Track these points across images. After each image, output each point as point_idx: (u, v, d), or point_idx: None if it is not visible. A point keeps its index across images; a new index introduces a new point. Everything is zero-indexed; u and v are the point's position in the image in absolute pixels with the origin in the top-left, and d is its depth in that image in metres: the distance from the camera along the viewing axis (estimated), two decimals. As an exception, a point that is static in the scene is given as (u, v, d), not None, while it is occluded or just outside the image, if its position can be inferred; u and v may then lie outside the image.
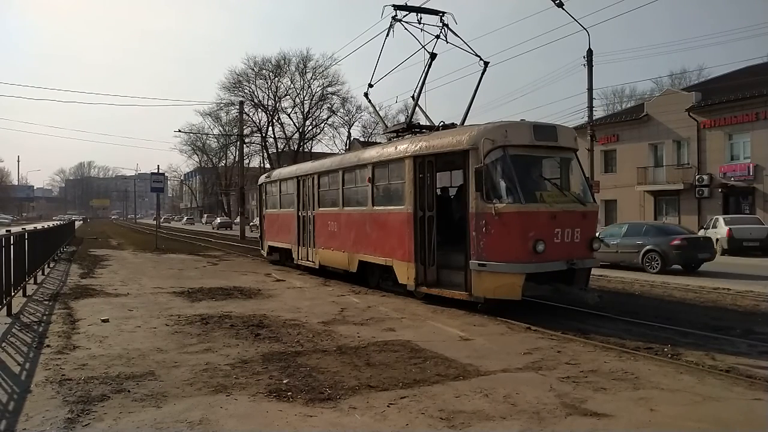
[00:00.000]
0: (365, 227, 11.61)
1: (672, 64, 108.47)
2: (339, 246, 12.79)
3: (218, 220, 66.59)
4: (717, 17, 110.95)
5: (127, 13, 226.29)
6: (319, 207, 14.03)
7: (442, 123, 11.32)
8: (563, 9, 22.62)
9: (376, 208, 11.27)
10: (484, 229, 8.41)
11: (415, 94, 12.00)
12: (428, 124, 12.20)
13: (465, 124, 11.31)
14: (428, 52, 11.70)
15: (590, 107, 27.64)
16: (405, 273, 10.10)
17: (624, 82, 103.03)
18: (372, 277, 11.77)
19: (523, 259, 8.23)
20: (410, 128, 12.07)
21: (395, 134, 12.55)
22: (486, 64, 11.61)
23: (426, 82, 11.84)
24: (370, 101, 14.42)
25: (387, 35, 12.41)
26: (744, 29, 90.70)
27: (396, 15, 12.11)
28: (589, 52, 26.67)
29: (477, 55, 11.73)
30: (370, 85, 13.47)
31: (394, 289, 10.66)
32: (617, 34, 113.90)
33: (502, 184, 8.57)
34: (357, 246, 11.95)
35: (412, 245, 9.83)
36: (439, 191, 9.46)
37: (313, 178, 14.40)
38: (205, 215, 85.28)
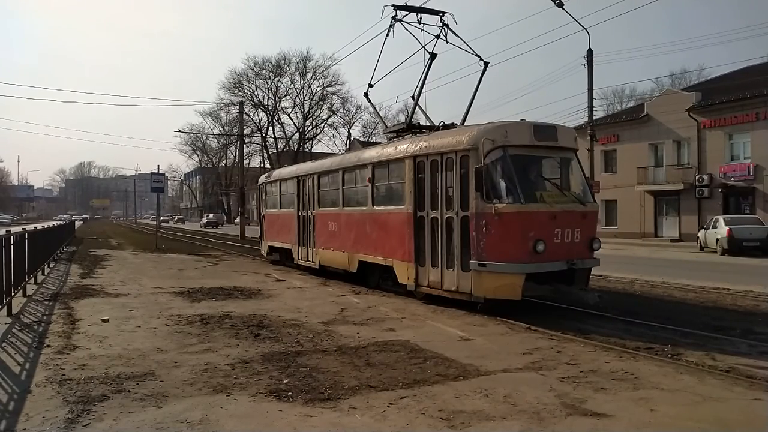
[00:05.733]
0: (365, 227, 11.60)
1: (672, 64, 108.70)
2: (339, 246, 12.78)
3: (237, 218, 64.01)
4: (717, 17, 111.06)
5: (127, 14, 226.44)
6: (319, 207, 14.03)
7: (442, 123, 11.32)
8: (563, 9, 22.69)
9: (376, 208, 11.27)
10: (484, 229, 8.41)
11: (415, 94, 12.01)
12: (428, 124, 12.19)
13: (465, 124, 11.31)
14: (428, 52, 11.71)
15: (590, 107, 27.70)
16: (405, 273, 10.09)
17: (624, 82, 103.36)
18: (372, 277, 11.77)
19: (523, 260, 8.22)
20: (410, 128, 12.05)
21: (395, 134, 12.55)
22: (486, 64, 11.61)
23: (426, 82, 11.86)
24: (370, 101, 14.45)
25: (387, 35, 12.41)
26: (744, 29, 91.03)
27: (396, 15, 12.12)
28: (590, 52, 26.71)
29: (477, 55, 11.74)
30: (370, 85, 13.47)
31: (394, 289, 10.65)
32: (617, 34, 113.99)
33: (502, 184, 8.56)
34: (357, 246, 11.94)
35: (412, 245, 9.83)
36: (438, 191, 9.45)
37: (313, 178, 14.40)
38: (205, 215, 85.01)
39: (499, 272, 8.31)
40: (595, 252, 9.02)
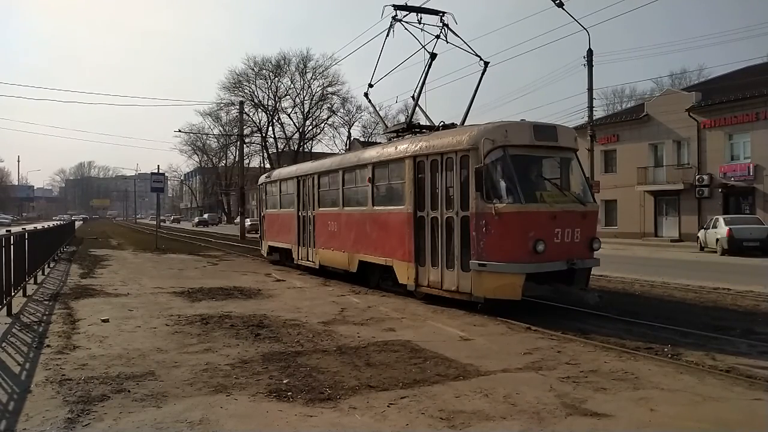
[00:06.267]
0: (365, 227, 11.60)
1: (672, 64, 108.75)
2: (339, 246, 12.78)
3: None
4: (717, 17, 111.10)
5: (127, 14, 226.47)
6: (319, 207, 14.02)
7: (442, 123, 11.31)
8: (563, 9, 22.68)
9: (376, 208, 11.26)
10: (484, 229, 8.40)
11: (415, 94, 11.99)
12: (428, 124, 12.19)
13: (465, 124, 11.30)
14: (428, 52, 11.69)
15: (590, 107, 27.68)
16: (405, 273, 10.09)
17: (624, 82, 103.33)
18: (372, 277, 11.76)
19: (524, 259, 8.22)
20: (410, 128, 12.04)
21: (395, 134, 12.54)
22: (486, 64, 11.59)
23: (426, 82, 11.85)
24: (370, 101, 14.43)
25: (387, 35, 12.38)
26: (744, 29, 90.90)
27: (396, 15, 12.10)
28: (589, 52, 26.69)
29: (477, 55, 11.72)
30: (370, 85, 13.44)
31: (394, 289, 10.64)
32: (617, 34, 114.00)
33: (502, 184, 8.55)
34: (357, 246, 11.94)
35: (412, 245, 9.82)
36: (438, 191, 9.45)
37: (313, 178, 14.39)
38: (197, 216, 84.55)
39: (499, 272, 8.31)
40: (595, 252, 9.02)
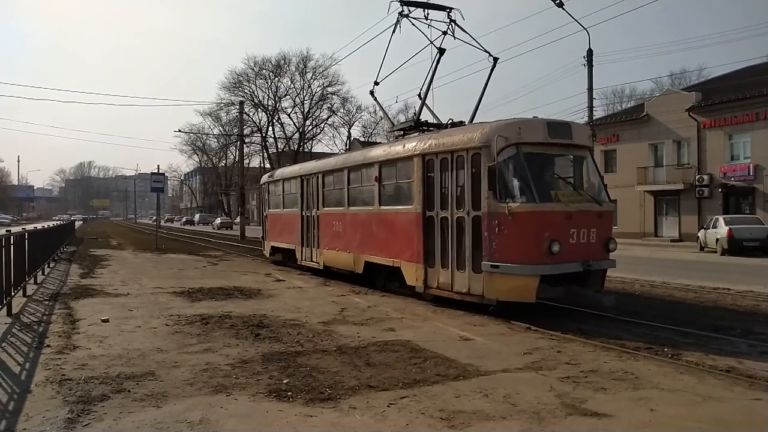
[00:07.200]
0: (371, 227, 11.45)
1: (672, 64, 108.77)
2: (344, 246, 12.66)
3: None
4: (717, 17, 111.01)
5: (127, 13, 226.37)
6: (324, 207, 13.90)
7: (450, 121, 11.13)
8: (563, 9, 22.64)
9: (383, 207, 11.11)
10: (496, 230, 8.18)
11: (422, 92, 11.80)
12: (436, 121, 11.94)
13: (473, 121, 11.19)
14: (436, 47, 11.42)
15: (590, 107, 27.62)
16: (413, 274, 9.89)
17: (624, 82, 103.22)
18: (378, 279, 11.61)
19: (538, 261, 8.00)
20: (418, 126, 11.81)
21: (402, 132, 12.32)
22: (495, 60, 11.36)
23: (433, 79, 11.74)
24: (375, 99, 14.12)
25: (393, 31, 12.15)
26: (744, 29, 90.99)
27: (402, 11, 11.95)
28: (589, 52, 26.65)
29: (486, 51, 11.51)
30: (376, 83, 13.26)
31: (401, 290, 10.48)
32: (617, 34, 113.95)
33: (516, 183, 8.37)
34: (363, 247, 11.80)
35: (421, 246, 9.62)
36: (448, 190, 9.29)
37: (317, 178, 14.26)
38: (197, 215, 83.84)
39: (513, 274, 8.09)
40: (611, 252, 8.79)
